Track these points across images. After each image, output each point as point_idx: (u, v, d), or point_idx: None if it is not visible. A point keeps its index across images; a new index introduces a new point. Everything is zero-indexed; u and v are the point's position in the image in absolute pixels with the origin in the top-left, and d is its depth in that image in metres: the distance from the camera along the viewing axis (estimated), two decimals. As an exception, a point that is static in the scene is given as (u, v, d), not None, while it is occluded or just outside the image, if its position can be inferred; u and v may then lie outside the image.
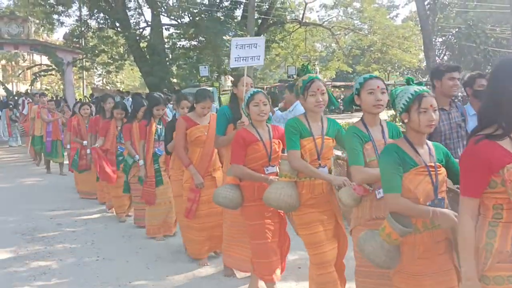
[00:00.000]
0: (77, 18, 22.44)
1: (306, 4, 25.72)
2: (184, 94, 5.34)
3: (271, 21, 22.40)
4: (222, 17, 20.66)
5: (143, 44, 21.56)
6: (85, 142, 7.30)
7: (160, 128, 5.24)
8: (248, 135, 3.44)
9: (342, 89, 31.34)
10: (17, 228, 5.94)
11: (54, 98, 18.99)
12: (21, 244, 5.28)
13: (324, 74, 33.21)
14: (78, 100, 18.29)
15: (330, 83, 31.15)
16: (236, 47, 4.28)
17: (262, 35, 16.36)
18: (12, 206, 7.11)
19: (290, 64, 25.96)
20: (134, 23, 21.97)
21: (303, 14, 25.79)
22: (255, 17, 16.07)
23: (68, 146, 8.14)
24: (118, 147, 6.17)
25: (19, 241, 5.38)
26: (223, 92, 22.52)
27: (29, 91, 22.08)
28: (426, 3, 18.15)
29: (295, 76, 22.64)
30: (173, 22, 22.35)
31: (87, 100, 18.96)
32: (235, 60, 4.29)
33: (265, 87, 25.28)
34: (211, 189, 4.11)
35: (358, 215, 2.72)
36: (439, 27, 27.49)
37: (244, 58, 4.30)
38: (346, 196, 2.71)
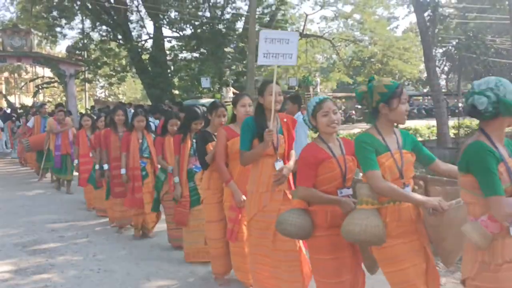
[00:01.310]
0: (79, 30, 22.66)
1: (306, 16, 25.91)
2: (220, 101, 4.90)
3: (272, 33, 22.53)
4: (223, 29, 20.81)
5: (145, 56, 21.72)
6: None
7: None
8: (319, 151, 2.87)
9: (343, 100, 31.44)
10: (18, 240, 5.93)
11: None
12: (22, 256, 5.28)
13: (325, 85, 33.35)
14: (84, 113, 18.32)
15: (331, 94, 31.25)
16: (266, 41, 3.54)
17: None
18: (14, 218, 7.11)
19: (291, 75, 26.07)
20: (136, 36, 22.20)
21: (304, 26, 25.95)
22: (256, 29, 16.13)
23: (76, 162, 7.89)
24: (140, 161, 5.73)
25: (21, 254, 5.38)
26: (225, 103, 22.62)
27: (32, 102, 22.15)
28: (426, 14, 18.25)
29: (296, 88, 22.78)
30: (175, 34, 22.59)
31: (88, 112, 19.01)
32: (264, 56, 3.56)
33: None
34: None
35: (484, 258, 2.12)
36: (439, 38, 27.61)
37: (275, 55, 3.56)
38: (477, 235, 2.10)
